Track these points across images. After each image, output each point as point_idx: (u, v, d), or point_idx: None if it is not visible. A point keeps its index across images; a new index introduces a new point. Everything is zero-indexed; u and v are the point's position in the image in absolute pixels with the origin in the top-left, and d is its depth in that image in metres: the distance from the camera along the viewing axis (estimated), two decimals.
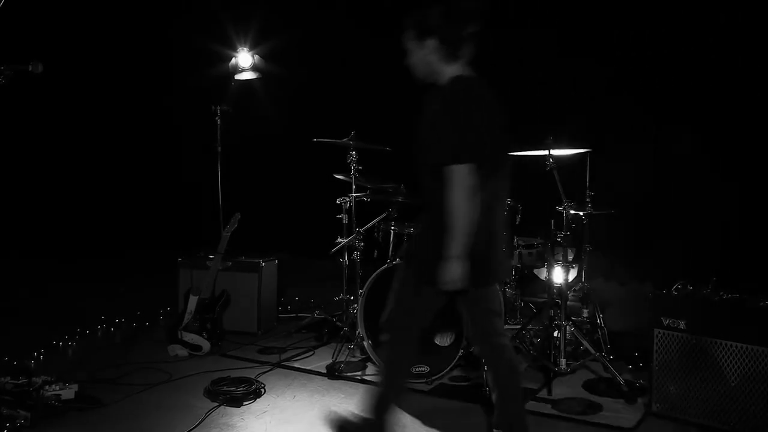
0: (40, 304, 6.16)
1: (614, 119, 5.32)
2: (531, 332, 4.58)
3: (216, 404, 3.76)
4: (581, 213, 4.38)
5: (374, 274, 4.25)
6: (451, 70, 2.86)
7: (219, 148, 5.83)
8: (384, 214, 4.72)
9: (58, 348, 4.83)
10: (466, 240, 2.68)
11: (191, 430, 3.44)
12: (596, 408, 3.70)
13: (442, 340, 4.07)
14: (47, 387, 3.70)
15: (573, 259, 4.51)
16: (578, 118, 5.22)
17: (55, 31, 6.94)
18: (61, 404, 3.64)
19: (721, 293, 3.47)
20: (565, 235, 4.01)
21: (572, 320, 4.14)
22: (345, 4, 6.61)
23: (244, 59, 6.23)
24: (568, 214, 4.01)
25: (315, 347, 4.83)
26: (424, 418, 3.62)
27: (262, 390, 3.98)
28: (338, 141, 4.73)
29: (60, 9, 7.05)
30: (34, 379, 3.79)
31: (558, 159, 4.05)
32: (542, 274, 4.68)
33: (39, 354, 4.56)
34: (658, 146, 4.66)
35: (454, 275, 2.70)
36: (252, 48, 6.37)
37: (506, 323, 4.59)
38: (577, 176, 4.49)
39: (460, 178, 2.64)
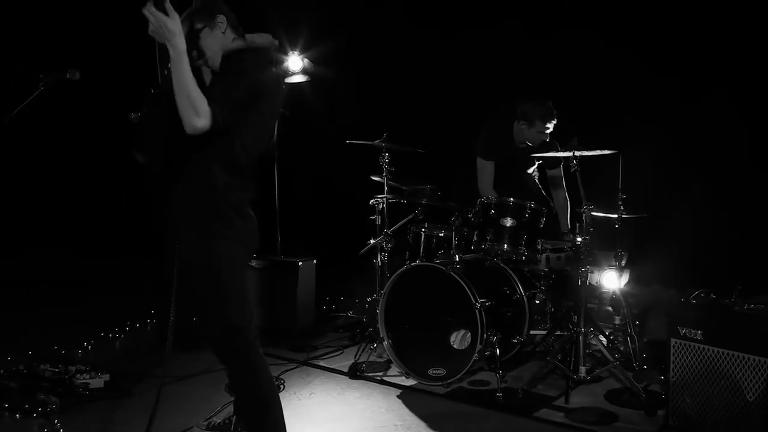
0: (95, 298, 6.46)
1: (642, 121, 5.13)
2: (560, 338, 4.46)
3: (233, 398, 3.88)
4: (614, 216, 4.23)
5: (395, 275, 4.26)
6: None
7: (276, 153, 5.82)
8: (410, 216, 4.72)
9: (107, 340, 5.11)
10: None
11: (202, 421, 3.56)
12: (612, 418, 3.58)
13: (460, 344, 4.04)
14: (78, 376, 3.94)
15: (610, 264, 4.37)
16: (606, 122, 5.07)
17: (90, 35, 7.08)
18: (88, 392, 3.87)
19: (744, 304, 3.28)
20: (584, 239, 3.88)
21: (597, 326, 4.01)
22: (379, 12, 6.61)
23: (294, 63, 6.33)
24: (588, 216, 3.88)
25: (346, 347, 4.90)
26: (432, 422, 3.61)
27: (281, 387, 4.07)
28: (371, 143, 4.75)
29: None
30: (69, 367, 4.05)
31: (585, 161, 3.94)
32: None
33: (88, 344, 4.85)
34: (688, 149, 4.46)
35: None
36: (302, 51, 6.46)
37: (535, 328, 4.50)
38: (607, 179, 4.33)
39: None
